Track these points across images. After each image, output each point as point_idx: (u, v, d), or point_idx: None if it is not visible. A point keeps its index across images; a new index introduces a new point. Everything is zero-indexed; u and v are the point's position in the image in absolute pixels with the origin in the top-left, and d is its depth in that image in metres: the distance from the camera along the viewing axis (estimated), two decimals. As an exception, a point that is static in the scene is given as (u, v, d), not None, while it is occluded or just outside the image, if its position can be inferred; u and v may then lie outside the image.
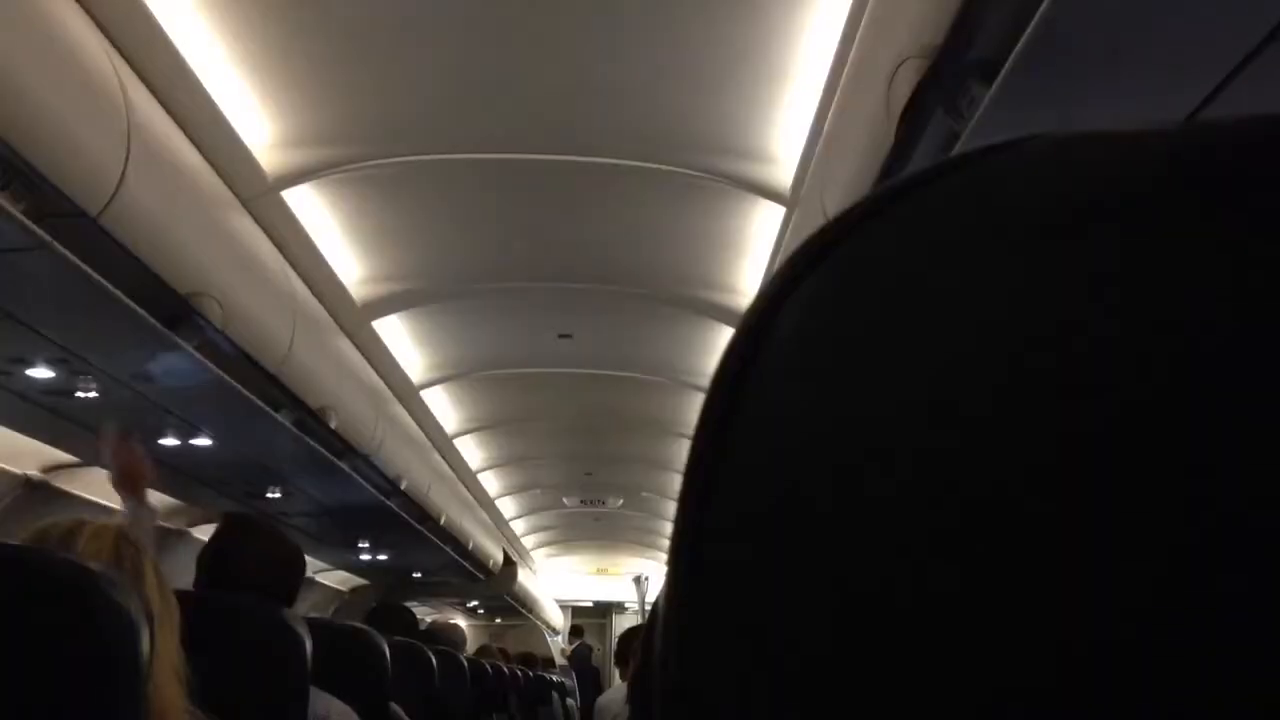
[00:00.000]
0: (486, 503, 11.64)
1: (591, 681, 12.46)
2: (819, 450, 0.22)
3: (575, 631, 16.91)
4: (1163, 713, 0.17)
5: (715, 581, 0.24)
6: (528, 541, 15.58)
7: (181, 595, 1.61)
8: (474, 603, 15.24)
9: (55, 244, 2.92)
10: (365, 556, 9.66)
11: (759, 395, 0.24)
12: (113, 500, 6.49)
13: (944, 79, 2.58)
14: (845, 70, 3.41)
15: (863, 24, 3.17)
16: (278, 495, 6.77)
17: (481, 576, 11.80)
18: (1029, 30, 2.18)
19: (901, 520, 0.20)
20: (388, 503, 7.30)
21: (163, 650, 1.40)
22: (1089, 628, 0.18)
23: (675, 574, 0.25)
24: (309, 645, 2.03)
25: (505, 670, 6.96)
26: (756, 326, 0.25)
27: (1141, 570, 0.18)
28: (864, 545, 0.21)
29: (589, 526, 14.48)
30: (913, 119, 2.75)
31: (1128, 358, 0.19)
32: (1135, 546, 0.18)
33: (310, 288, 5.31)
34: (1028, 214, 0.22)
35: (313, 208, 4.87)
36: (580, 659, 13.47)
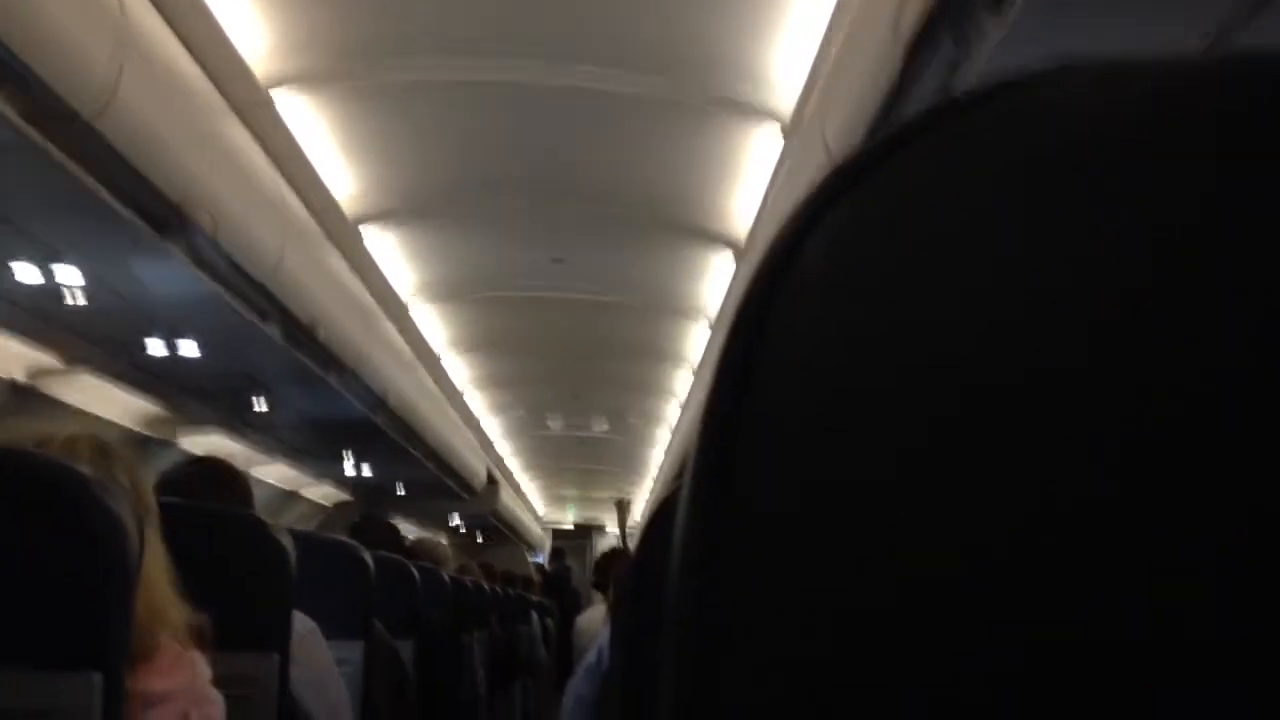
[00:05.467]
0: (472, 422, 11.70)
1: (572, 604, 12.57)
2: (848, 382, 0.22)
3: (556, 554, 17.03)
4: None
5: (742, 518, 0.23)
6: (512, 463, 15.68)
7: (162, 505, 1.61)
8: (456, 521, 15.37)
9: (48, 144, 2.89)
10: (350, 471, 9.72)
11: (785, 328, 0.24)
12: (98, 408, 6.53)
13: (953, 8, 2.56)
14: (852, -4, 3.37)
15: (872, -52, 3.13)
16: (264, 407, 6.79)
17: (465, 495, 11.88)
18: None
19: (939, 453, 0.20)
20: (373, 418, 7.33)
21: (151, 555, 1.40)
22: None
23: (696, 516, 0.24)
24: (293, 556, 2.04)
25: (487, 588, 7.03)
26: (780, 261, 0.25)
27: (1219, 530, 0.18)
28: (898, 480, 0.21)
29: (573, 449, 14.58)
30: (920, 48, 2.72)
31: (1168, 288, 0.19)
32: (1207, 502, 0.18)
33: (302, 199, 5.28)
34: (1061, 147, 0.22)
35: (307, 118, 4.84)
36: (560, 579, 13.56)
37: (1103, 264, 0.20)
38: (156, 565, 1.43)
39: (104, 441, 1.53)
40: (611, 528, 18.65)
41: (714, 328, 7.83)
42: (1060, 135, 0.22)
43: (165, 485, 2.55)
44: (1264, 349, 0.18)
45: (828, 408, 0.22)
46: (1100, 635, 0.18)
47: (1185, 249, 0.19)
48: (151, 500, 1.57)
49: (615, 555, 6.03)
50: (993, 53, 2.44)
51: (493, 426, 12.88)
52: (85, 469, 1.21)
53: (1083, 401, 0.19)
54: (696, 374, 9.30)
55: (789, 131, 4.62)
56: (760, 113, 4.65)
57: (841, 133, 3.34)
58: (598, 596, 6.09)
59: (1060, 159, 0.22)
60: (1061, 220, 0.21)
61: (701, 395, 0.25)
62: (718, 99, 4.61)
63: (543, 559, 20.05)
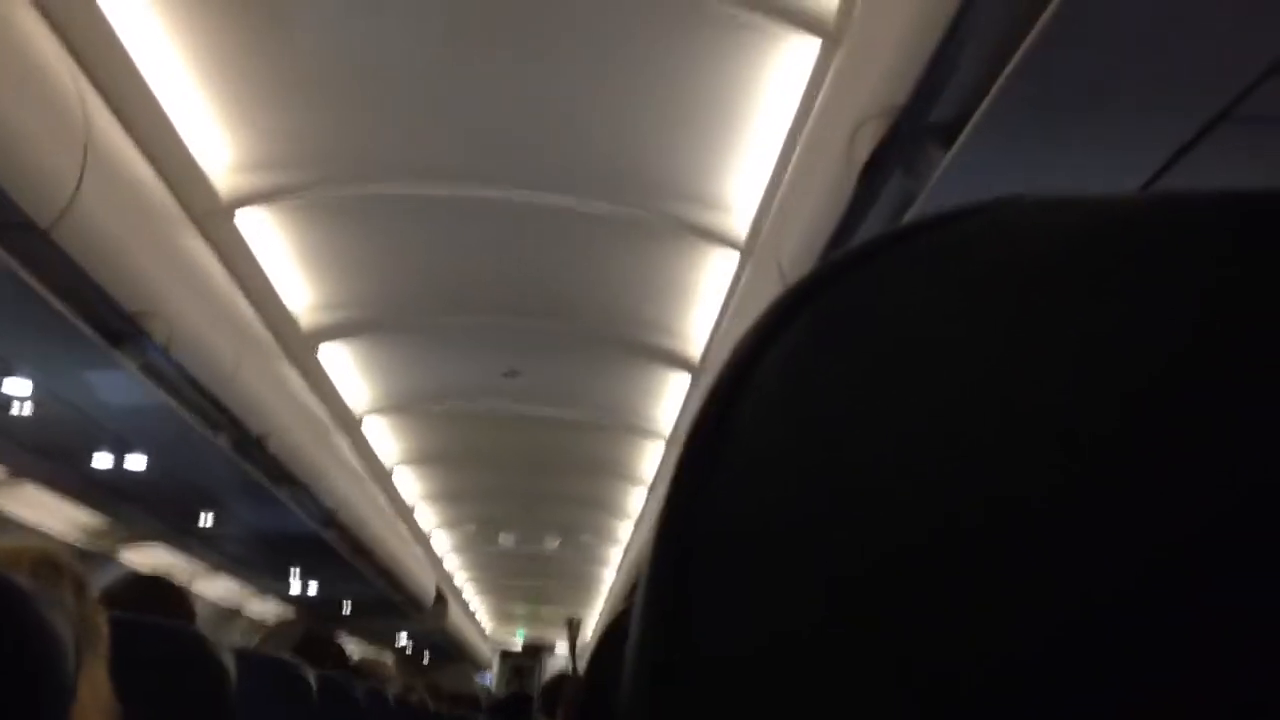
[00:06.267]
0: (421, 537, 11.53)
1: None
2: (802, 495, 0.22)
3: (517, 673, 16.64)
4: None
5: (697, 626, 0.23)
6: (461, 578, 15.45)
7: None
8: (403, 639, 15.07)
9: (4, 254, 2.87)
10: (296, 587, 9.54)
11: (739, 444, 0.24)
12: (42, 517, 6.38)
13: (904, 139, 2.62)
14: (807, 125, 3.45)
15: (826, 81, 3.21)
16: (211, 521, 6.68)
17: (412, 612, 11.67)
18: (989, 97, 2.22)
19: (887, 567, 0.20)
20: (322, 533, 7.22)
21: (91, 677, 1.36)
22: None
23: (651, 622, 0.24)
24: (234, 675, 1.99)
25: (431, 708, 6.87)
26: (736, 376, 0.25)
27: (1139, 591, 0.18)
28: (847, 591, 0.21)
29: (524, 566, 14.39)
30: (872, 177, 2.78)
31: (1096, 406, 0.20)
32: (1130, 579, 0.18)
33: (258, 312, 5.26)
34: (1004, 272, 0.23)
35: (265, 231, 4.84)
36: (520, 701, 13.19)
37: (1040, 383, 0.20)
38: (97, 687, 1.39)
39: (52, 555, 1.49)
40: (560, 648, 18.33)
41: (669, 446, 7.82)
42: (1000, 262, 0.23)
43: (107, 600, 2.50)
44: (1222, 467, 0.18)
45: (783, 521, 0.22)
46: None
47: (1115, 373, 0.20)
48: (97, 620, 1.52)
49: (563, 680, 5.92)
50: (943, 183, 2.50)
51: (443, 542, 12.70)
52: (24, 582, 1.18)
53: (1043, 527, 0.19)
54: (650, 492, 9.26)
55: (744, 255, 4.68)
56: (717, 236, 4.71)
57: (796, 258, 3.39)
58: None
59: (1001, 284, 0.23)
60: (1004, 343, 0.21)
61: (655, 512, 0.25)
62: (675, 221, 4.67)
63: (489, 679, 19.64)
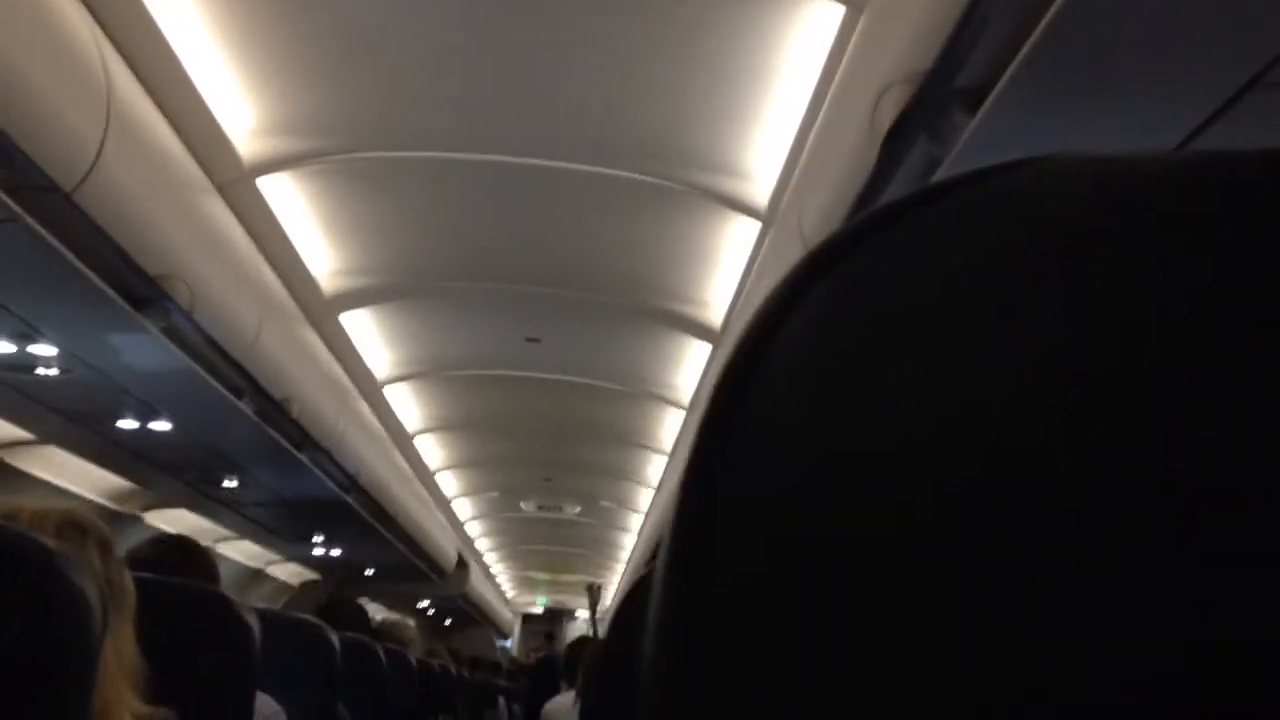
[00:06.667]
0: (443, 503, 11.59)
1: (552, 689, 12.35)
2: (824, 461, 0.22)
3: (548, 638, 16.78)
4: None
5: (717, 593, 0.23)
6: (482, 544, 15.53)
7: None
8: (425, 603, 15.17)
9: (27, 217, 2.89)
10: (319, 550, 9.61)
11: (761, 411, 0.24)
12: (67, 480, 6.44)
13: (929, 105, 2.60)
14: (830, 91, 3.42)
15: (850, 46, 3.19)
16: (234, 484, 6.73)
17: (434, 577, 11.74)
18: (1015, 62, 2.20)
19: (908, 538, 0.20)
20: (344, 497, 7.27)
21: (118, 637, 1.37)
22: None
23: (671, 587, 0.24)
24: (258, 635, 2.01)
25: (453, 672, 6.93)
26: (757, 342, 0.25)
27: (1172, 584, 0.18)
28: (868, 560, 0.21)
29: (545, 532, 14.45)
30: (895, 144, 2.76)
31: (1128, 374, 0.19)
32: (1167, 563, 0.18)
33: (280, 277, 5.28)
34: (1037, 233, 0.22)
35: (288, 197, 4.85)
36: (551, 663, 13.30)
37: (1070, 345, 0.20)
38: (123, 647, 1.41)
39: (77, 517, 1.51)
40: (581, 613, 18.45)
41: (689, 414, 7.83)
42: (1031, 222, 0.23)
43: (131, 561, 2.52)
44: (1227, 431, 0.18)
45: (806, 482, 0.22)
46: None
47: (1147, 335, 0.20)
48: (124, 580, 1.53)
49: (584, 643, 5.97)
50: (968, 150, 2.48)
51: (464, 507, 12.77)
52: (51, 543, 1.19)
53: (1054, 483, 0.19)
54: (670, 459, 9.29)
55: (766, 223, 4.66)
56: (739, 204, 4.69)
57: (818, 225, 3.38)
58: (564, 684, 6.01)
59: (1032, 244, 0.22)
60: (1034, 303, 0.21)
61: (676, 478, 0.25)
62: (697, 189, 4.65)
63: (510, 644, 19.80)
